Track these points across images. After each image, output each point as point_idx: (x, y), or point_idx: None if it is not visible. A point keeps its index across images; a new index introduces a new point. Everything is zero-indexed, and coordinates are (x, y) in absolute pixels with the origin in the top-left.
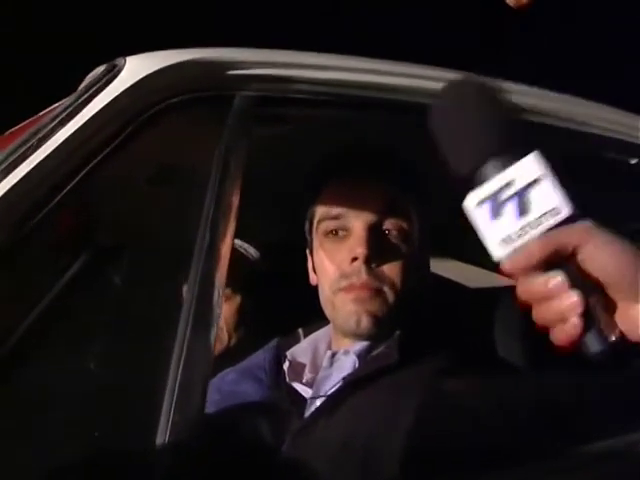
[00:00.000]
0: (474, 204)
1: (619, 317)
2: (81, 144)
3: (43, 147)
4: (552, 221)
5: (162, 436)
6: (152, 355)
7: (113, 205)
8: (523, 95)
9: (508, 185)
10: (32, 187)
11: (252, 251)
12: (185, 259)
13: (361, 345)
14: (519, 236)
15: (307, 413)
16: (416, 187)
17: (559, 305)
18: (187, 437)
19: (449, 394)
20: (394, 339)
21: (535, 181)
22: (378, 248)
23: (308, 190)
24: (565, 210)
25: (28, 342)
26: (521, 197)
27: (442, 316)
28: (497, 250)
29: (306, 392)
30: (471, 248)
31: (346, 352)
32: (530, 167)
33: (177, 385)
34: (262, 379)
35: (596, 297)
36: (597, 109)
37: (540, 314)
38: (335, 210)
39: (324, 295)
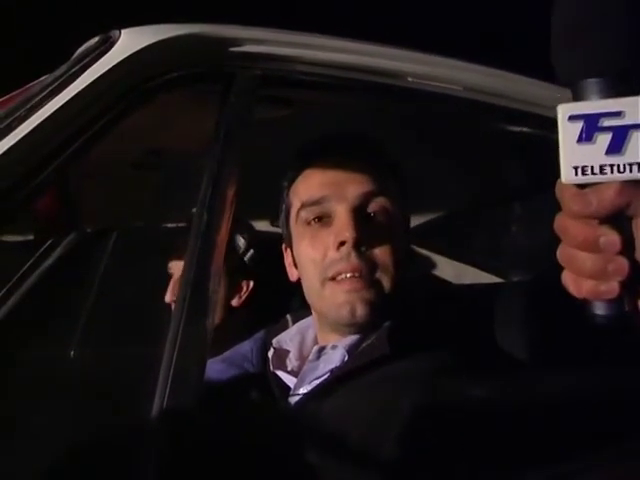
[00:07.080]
0: (566, 116)
1: None
2: (71, 117)
3: (31, 118)
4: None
5: (156, 421)
6: (146, 342)
7: (103, 185)
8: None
9: (614, 115)
10: (18, 160)
11: (240, 241)
12: (181, 245)
13: (350, 339)
14: (598, 172)
15: (291, 402)
16: (395, 168)
17: (604, 263)
18: (181, 422)
19: (441, 387)
20: (383, 330)
21: None
22: (365, 231)
23: (285, 180)
24: None
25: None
26: (621, 134)
27: (431, 310)
28: (567, 174)
29: (290, 381)
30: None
31: (334, 347)
32: None
33: (171, 372)
34: (249, 370)
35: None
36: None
37: (575, 259)
38: (316, 195)
39: (310, 288)
